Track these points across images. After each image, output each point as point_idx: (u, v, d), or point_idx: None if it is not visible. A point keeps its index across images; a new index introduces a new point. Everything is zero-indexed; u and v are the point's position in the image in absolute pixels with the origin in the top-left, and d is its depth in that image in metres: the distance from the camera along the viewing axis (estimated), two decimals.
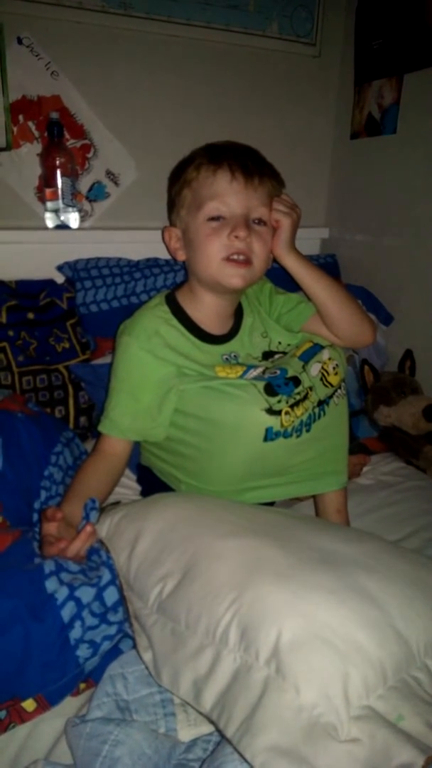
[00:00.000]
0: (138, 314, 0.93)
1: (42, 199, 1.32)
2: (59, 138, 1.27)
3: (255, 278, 0.89)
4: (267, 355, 0.96)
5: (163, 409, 0.88)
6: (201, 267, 0.88)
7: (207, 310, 0.93)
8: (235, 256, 0.85)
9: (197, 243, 0.87)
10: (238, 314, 0.98)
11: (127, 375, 0.89)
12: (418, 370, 1.38)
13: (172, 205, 0.93)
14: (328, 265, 1.62)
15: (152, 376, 0.87)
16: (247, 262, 0.86)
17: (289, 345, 0.97)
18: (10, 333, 1.18)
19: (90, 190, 1.39)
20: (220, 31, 1.40)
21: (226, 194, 0.84)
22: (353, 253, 1.62)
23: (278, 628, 0.55)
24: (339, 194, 1.67)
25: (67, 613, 0.64)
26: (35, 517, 0.85)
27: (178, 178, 0.91)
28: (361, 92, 1.52)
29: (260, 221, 0.87)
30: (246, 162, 0.85)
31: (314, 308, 0.94)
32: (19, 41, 1.24)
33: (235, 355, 0.93)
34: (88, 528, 0.75)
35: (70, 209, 1.32)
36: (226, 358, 0.93)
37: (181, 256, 0.93)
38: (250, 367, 0.91)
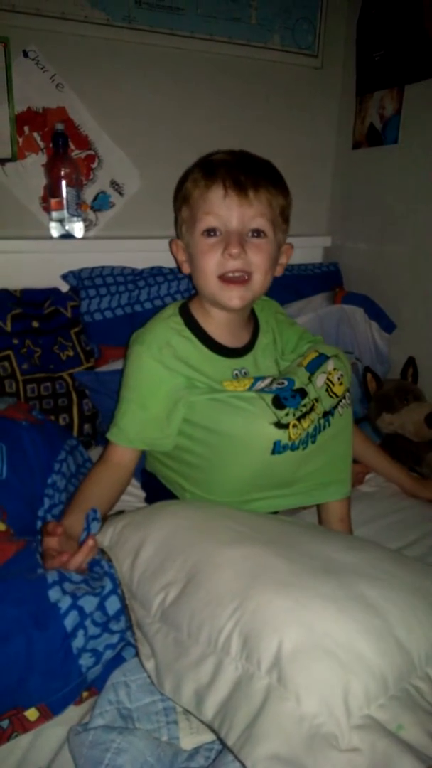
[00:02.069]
0: (151, 324, 0.93)
1: (47, 209, 1.34)
2: (64, 149, 1.29)
3: (256, 294, 0.89)
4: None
5: (171, 420, 0.88)
6: (201, 283, 0.89)
7: (217, 322, 0.93)
8: (231, 275, 0.85)
9: (195, 259, 0.88)
10: (255, 331, 0.99)
11: (137, 384, 0.90)
12: (421, 377, 1.39)
13: (176, 220, 0.95)
14: (330, 273, 1.63)
15: (162, 386, 0.87)
16: (244, 279, 0.86)
17: None
18: (15, 341, 1.19)
19: (94, 199, 1.41)
20: (223, 44, 1.42)
21: (219, 209, 0.84)
22: (355, 262, 1.63)
23: (279, 637, 0.55)
24: (341, 203, 1.68)
25: (70, 622, 0.64)
26: (39, 524, 0.86)
27: (179, 194, 0.92)
28: (363, 103, 1.53)
29: (259, 232, 0.87)
30: (239, 176, 0.85)
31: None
32: (25, 54, 1.26)
33: (245, 372, 0.94)
34: (90, 541, 0.75)
35: (75, 219, 1.33)
36: (236, 374, 0.93)
37: (186, 269, 0.94)
38: (257, 379, 0.91)
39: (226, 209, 0.84)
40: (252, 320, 0.99)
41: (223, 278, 0.86)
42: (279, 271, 0.94)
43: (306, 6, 1.50)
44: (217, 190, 0.85)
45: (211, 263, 0.85)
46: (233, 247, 0.83)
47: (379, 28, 1.45)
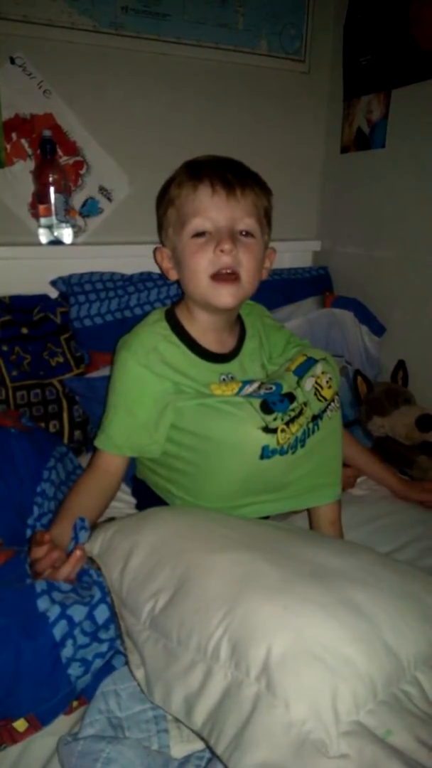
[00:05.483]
0: (136, 330, 0.93)
1: (35, 216, 1.33)
2: (52, 155, 1.29)
3: (246, 294, 0.89)
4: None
5: (159, 425, 0.88)
6: (191, 286, 0.89)
7: (203, 327, 0.93)
8: (223, 272, 0.85)
9: (185, 261, 0.87)
10: (241, 336, 0.99)
11: (125, 390, 0.89)
12: (411, 381, 1.39)
13: (161, 226, 0.94)
14: (320, 277, 1.64)
15: (149, 392, 0.87)
16: (235, 277, 0.86)
17: None
18: (4, 348, 1.18)
19: (83, 205, 1.41)
20: (210, 49, 1.43)
21: (208, 209, 0.84)
22: (345, 265, 1.63)
23: (268, 643, 0.55)
24: (330, 207, 1.69)
25: (59, 631, 0.64)
26: (28, 533, 0.85)
27: (163, 198, 0.92)
28: (350, 107, 1.54)
29: (247, 233, 0.87)
30: (226, 175, 0.85)
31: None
32: (12, 61, 1.25)
33: (232, 377, 0.94)
34: (78, 552, 0.75)
35: (64, 225, 1.33)
36: (223, 378, 0.93)
37: (173, 276, 0.93)
38: (245, 383, 0.91)
39: (214, 208, 0.84)
40: (238, 325, 0.99)
41: (215, 278, 0.85)
42: (264, 275, 0.94)
43: (293, 11, 1.51)
44: (204, 189, 0.84)
45: (203, 262, 0.85)
46: (225, 242, 0.83)
47: (365, 32, 1.46)
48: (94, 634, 0.66)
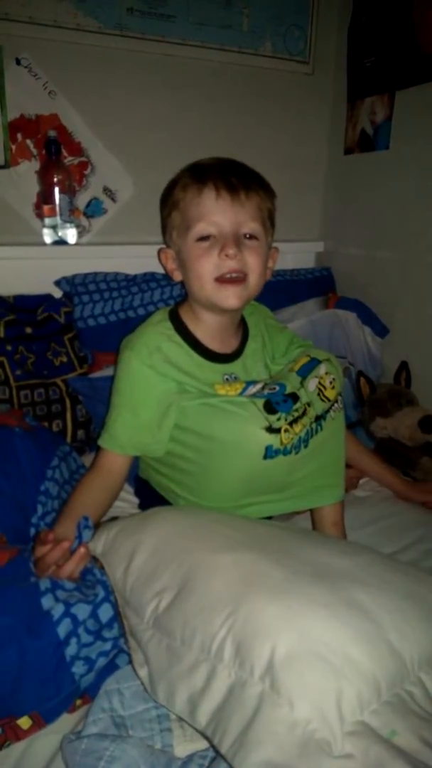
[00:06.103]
0: (140, 330, 0.93)
1: (40, 216, 1.34)
2: (57, 155, 1.29)
3: (251, 295, 0.90)
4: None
5: (163, 425, 0.88)
6: (195, 288, 0.89)
7: (207, 328, 0.93)
8: (228, 275, 0.85)
9: (189, 264, 0.88)
10: (244, 336, 0.99)
11: (128, 390, 0.90)
12: (414, 382, 1.39)
13: (164, 228, 0.94)
14: (323, 278, 1.64)
15: (153, 392, 0.87)
16: (241, 279, 0.86)
17: None
18: (8, 347, 1.19)
19: (87, 206, 1.41)
20: (215, 50, 1.43)
21: (212, 213, 0.84)
22: (348, 267, 1.63)
23: (272, 643, 0.55)
24: (333, 209, 1.69)
25: (63, 630, 0.64)
26: (32, 532, 0.85)
27: (167, 200, 0.92)
28: (354, 109, 1.54)
29: (251, 236, 0.87)
30: (230, 178, 0.85)
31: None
32: (18, 62, 1.26)
33: (235, 377, 0.94)
34: (81, 550, 0.75)
35: (68, 225, 1.34)
36: (227, 378, 0.93)
37: (177, 277, 0.94)
38: (249, 383, 0.91)
39: (219, 212, 0.84)
40: (241, 326, 1.00)
41: (220, 279, 0.86)
42: (268, 275, 0.94)
43: (297, 13, 1.51)
44: (209, 193, 0.85)
45: (208, 266, 0.85)
46: (229, 247, 0.83)
47: (369, 34, 1.46)
48: (98, 632, 0.67)
